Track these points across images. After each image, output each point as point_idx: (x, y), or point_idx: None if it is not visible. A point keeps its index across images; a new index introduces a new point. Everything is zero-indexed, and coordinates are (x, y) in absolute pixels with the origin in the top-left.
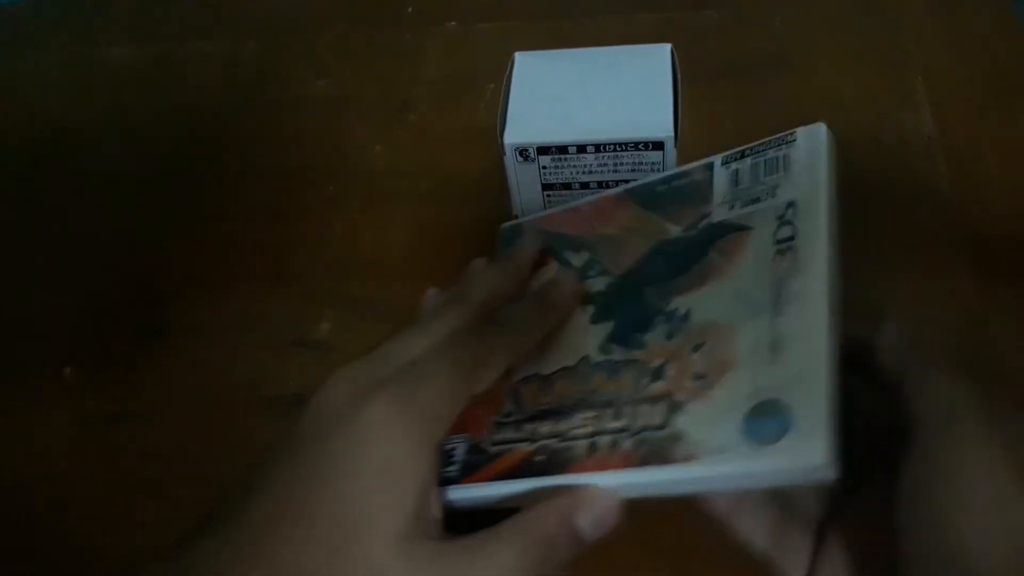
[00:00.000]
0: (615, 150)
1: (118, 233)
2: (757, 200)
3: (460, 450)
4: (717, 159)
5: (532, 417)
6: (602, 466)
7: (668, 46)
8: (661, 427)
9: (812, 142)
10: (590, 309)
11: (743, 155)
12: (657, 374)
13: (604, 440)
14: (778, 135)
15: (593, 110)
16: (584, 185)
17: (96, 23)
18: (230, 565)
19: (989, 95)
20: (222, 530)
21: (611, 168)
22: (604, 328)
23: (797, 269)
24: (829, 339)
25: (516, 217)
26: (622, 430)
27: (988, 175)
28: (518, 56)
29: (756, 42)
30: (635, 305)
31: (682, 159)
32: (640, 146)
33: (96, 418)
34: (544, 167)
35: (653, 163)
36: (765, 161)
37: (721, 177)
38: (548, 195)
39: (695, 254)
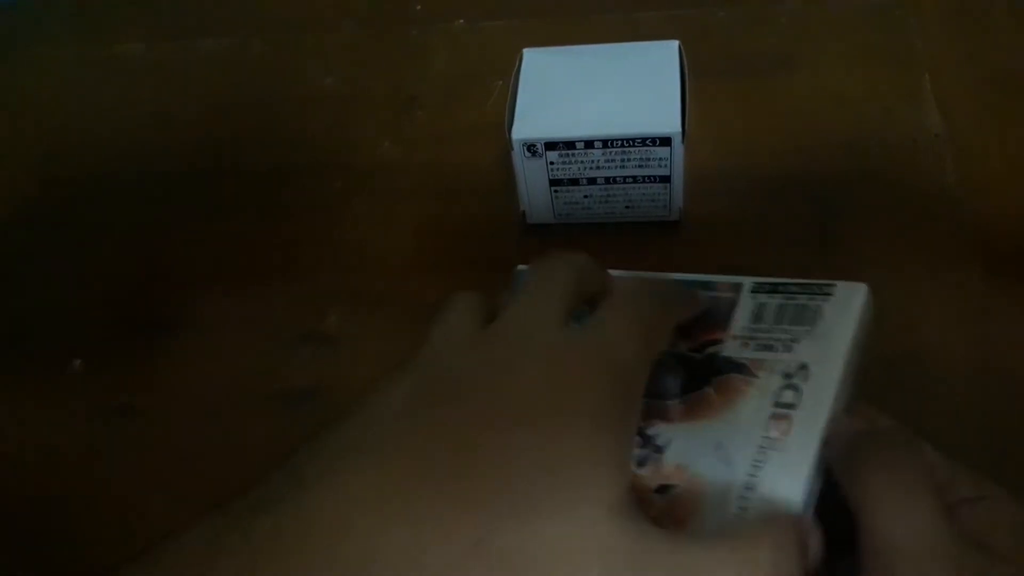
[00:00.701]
0: (622, 146)
1: (125, 228)
2: (771, 348)
3: None
4: (748, 283)
5: None
6: None
7: (676, 42)
8: None
9: (847, 303)
10: None
11: (775, 289)
12: None
13: None
14: (818, 281)
15: (601, 106)
16: (591, 181)
17: (103, 20)
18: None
19: (996, 93)
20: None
21: (618, 164)
22: None
23: (783, 446)
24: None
25: (524, 213)
26: None
27: (995, 173)
28: (526, 52)
29: (762, 40)
30: None
31: (689, 157)
32: (648, 142)
33: (105, 411)
34: (552, 163)
35: (660, 159)
36: (794, 307)
37: (746, 306)
38: (555, 191)
39: (694, 382)
